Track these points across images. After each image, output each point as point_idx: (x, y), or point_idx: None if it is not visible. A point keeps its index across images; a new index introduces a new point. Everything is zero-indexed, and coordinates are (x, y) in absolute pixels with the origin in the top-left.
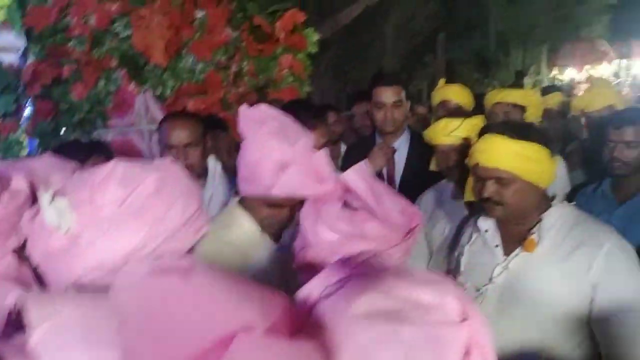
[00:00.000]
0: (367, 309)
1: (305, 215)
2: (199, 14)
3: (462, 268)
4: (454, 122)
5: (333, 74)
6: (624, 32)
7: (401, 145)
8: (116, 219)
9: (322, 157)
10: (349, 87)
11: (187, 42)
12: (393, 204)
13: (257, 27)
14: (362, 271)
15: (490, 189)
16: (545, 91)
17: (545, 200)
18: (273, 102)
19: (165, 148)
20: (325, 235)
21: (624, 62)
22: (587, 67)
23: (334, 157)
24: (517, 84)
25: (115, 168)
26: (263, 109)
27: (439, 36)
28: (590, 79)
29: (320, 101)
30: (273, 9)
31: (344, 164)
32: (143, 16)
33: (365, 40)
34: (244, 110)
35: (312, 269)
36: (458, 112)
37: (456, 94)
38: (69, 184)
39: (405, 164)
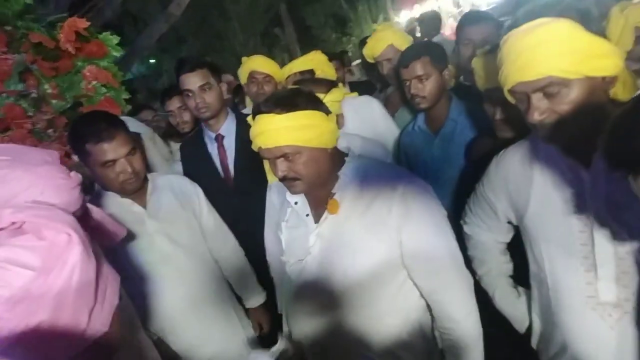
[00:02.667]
0: None
1: None
2: None
3: (283, 246)
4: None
5: None
6: None
7: (228, 130)
8: None
9: None
10: None
11: None
12: None
13: (38, 44)
14: None
15: (281, 167)
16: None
17: (339, 159)
18: None
19: None
20: None
21: None
22: (417, 5)
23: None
24: None
25: None
26: None
27: (280, 8)
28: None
29: None
30: (50, 19)
31: (184, 165)
32: None
33: (219, 30)
34: None
35: None
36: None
37: (261, 64)
38: None
39: (236, 148)
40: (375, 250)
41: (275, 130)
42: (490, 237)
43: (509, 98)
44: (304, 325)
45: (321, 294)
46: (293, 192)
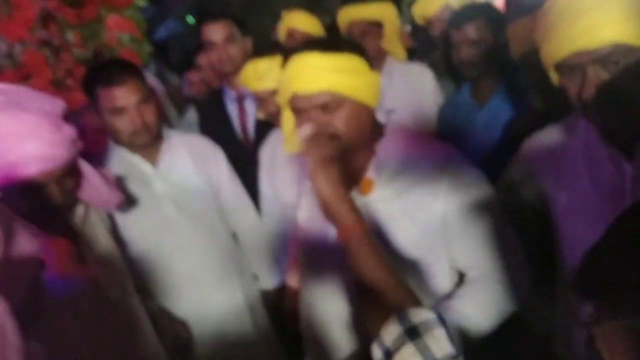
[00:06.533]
0: None
1: None
2: None
3: (301, 223)
4: (263, 63)
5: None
6: None
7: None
8: None
9: None
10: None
11: None
12: None
13: None
14: None
15: (318, 120)
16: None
17: (377, 128)
18: None
19: None
20: None
21: None
22: None
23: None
24: None
25: None
26: None
27: None
28: None
29: None
30: None
31: (201, 127)
32: None
33: None
34: None
35: None
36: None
37: (301, 21)
38: None
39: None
40: (412, 235)
41: (317, 71)
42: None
43: (553, 75)
44: (326, 312)
45: (350, 279)
46: None
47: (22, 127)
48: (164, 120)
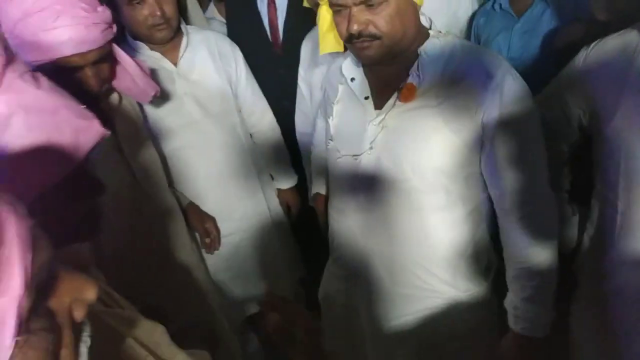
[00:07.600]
0: None
1: None
2: None
3: (332, 131)
4: None
5: None
6: None
7: None
8: None
9: None
10: None
11: None
12: None
13: None
14: None
15: (360, 18)
16: None
17: (422, 29)
18: None
19: None
20: None
21: None
22: None
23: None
24: None
25: None
26: None
27: None
28: None
29: None
30: None
31: (229, 24)
32: None
33: None
34: None
35: None
36: None
37: None
38: None
39: (289, 7)
40: (452, 146)
41: None
42: (552, 146)
43: None
44: (353, 223)
45: (380, 191)
46: (365, 57)
47: (55, 4)
48: (184, 15)
